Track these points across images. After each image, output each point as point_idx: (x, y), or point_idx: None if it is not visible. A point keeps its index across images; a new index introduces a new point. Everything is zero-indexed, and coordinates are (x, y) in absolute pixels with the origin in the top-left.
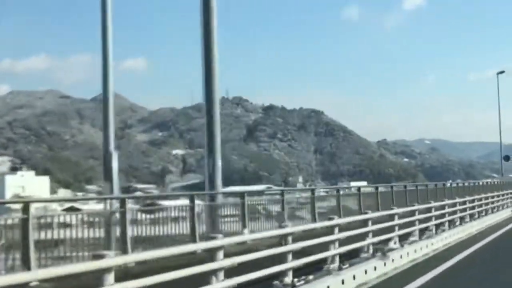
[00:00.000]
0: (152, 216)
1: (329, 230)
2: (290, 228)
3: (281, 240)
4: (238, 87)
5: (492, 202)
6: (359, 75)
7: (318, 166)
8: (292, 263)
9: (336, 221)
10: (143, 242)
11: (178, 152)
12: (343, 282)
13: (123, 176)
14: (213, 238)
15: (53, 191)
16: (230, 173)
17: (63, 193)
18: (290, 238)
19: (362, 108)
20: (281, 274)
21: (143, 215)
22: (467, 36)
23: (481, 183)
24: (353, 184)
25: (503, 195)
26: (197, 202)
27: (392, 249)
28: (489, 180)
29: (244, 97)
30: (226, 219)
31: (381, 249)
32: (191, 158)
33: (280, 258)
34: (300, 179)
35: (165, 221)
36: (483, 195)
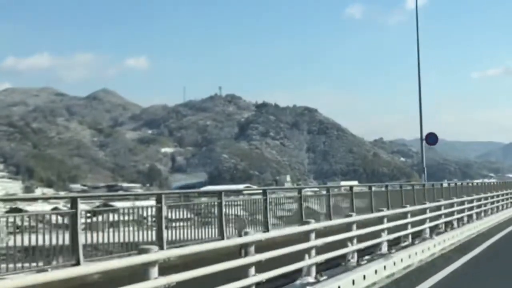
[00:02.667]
0: (96, 219)
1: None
2: (251, 236)
3: (241, 249)
4: (232, 84)
5: (492, 203)
6: (357, 74)
7: (310, 165)
8: (255, 278)
9: (313, 225)
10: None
11: (167, 150)
12: None
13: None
14: (146, 251)
15: (29, 190)
16: (219, 172)
17: (39, 192)
18: (252, 248)
19: (359, 107)
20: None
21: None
22: (469, 35)
23: (475, 183)
24: (343, 183)
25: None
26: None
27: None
28: (486, 180)
29: (237, 94)
30: (175, 224)
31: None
32: (180, 157)
33: (240, 272)
34: (288, 178)
35: (104, 226)
36: (482, 195)
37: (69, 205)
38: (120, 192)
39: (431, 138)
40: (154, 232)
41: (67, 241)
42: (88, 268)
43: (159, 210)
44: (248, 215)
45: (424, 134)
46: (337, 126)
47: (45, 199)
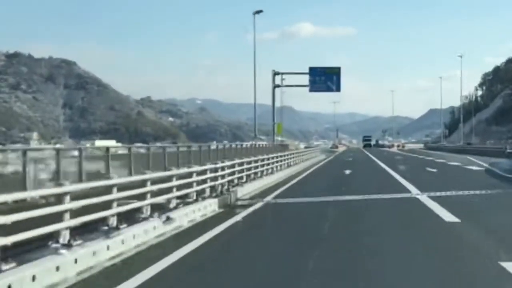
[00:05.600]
0: None
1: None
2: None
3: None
4: None
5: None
6: (129, 28)
7: (66, 122)
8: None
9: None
10: None
11: None
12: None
13: None
14: None
15: None
16: None
17: None
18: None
19: (129, 63)
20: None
21: None
22: None
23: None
24: (98, 143)
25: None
26: None
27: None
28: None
29: None
30: None
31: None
32: None
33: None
34: (35, 135)
35: None
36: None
37: None
38: None
39: None
40: None
41: None
42: None
43: None
44: None
45: None
46: (98, 81)
47: None
